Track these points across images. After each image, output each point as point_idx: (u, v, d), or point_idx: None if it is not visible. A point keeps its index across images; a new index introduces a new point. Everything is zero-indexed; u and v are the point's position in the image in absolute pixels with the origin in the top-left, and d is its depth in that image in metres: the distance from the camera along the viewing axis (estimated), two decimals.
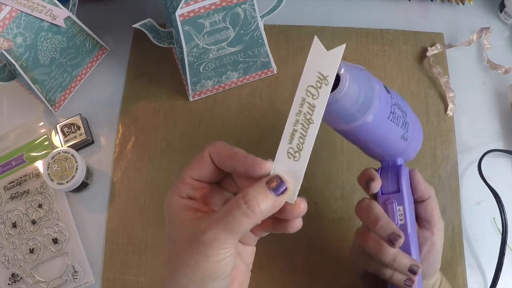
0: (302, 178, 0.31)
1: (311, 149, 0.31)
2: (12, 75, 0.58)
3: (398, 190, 0.42)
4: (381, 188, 0.43)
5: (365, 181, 0.43)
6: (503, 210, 0.53)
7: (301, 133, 0.31)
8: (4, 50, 0.51)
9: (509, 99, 0.62)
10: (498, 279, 0.52)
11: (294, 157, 0.31)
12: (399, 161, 0.43)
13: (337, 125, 0.37)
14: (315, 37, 0.31)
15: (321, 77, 0.31)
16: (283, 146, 0.31)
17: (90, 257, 0.57)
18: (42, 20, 0.54)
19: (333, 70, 0.31)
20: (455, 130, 0.61)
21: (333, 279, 0.55)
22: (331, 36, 0.66)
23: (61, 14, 0.55)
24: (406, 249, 0.41)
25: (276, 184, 0.31)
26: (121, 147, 0.61)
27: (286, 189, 0.31)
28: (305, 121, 0.31)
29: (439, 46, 0.64)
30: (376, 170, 0.44)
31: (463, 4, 0.67)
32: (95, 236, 0.58)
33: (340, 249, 0.56)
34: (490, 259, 0.54)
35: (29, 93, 0.64)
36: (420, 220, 0.45)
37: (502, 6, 0.66)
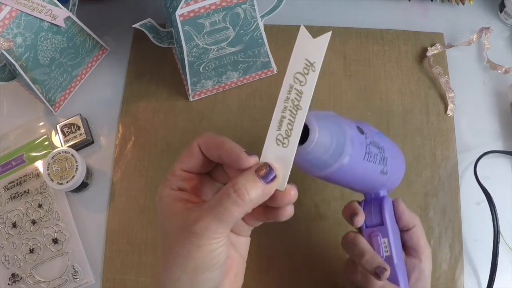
0: (292, 165, 0.31)
1: (300, 135, 0.31)
2: (12, 75, 0.58)
3: (382, 223, 0.42)
4: (365, 221, 0.43)
5: (349, 215, 0.43)
6: (494, 211, 0.54)
7: (289, 119, 0.31)
8: (4, 50, 0.51)
9: (509, 99, 0.62)
10: (494, 282, 0.52)
11: (283, 143, 0.31)
12: (382, 193, 0.44)
13: (312, 173, 0.37)
14: (301, 25, 0.32)
15: (308, 64, 0.31)
16: (272, 133, 0.32)
17: (90, 257, 0.57)
18: (42, 20, 0.54)
19: (319, 56, 0.31)
20: (455, 130, 0.61)
21: (333, 279, 0.55)
22: (331, 36, 0.65)
23: (61, 14, 0.55)
24: (393, 279, 0.42)
25: (265, 172, 0.31)
26: (121, 147, 0.61)
27: (275, 176, 0.31)
28: (293, 108, 0.31)
29: (439, 46, 0.64)
30: (360, 203, 0.44)
31: (463, 4, 0.67)
32: (95, 236, 0.58)
33: (340, 249, 0.56)
34: (489, 260, 0.54)
35: (29, 93, 0.64)
36: (407, 248, 0.45)
37: (502, 6, 0.66)
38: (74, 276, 0.56)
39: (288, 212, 0.33)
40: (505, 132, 0.61)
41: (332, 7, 0.68)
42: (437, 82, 0.63)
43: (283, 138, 0.31)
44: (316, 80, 0.31)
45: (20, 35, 0.52)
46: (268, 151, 0.32)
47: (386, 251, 0.42)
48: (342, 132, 0.35)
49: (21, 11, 0.51)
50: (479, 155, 0.58)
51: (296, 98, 0.31)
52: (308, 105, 0.31)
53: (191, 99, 0.63)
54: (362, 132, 0.38)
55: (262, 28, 0.55)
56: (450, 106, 0.62)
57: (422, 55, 0.65)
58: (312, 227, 0.57)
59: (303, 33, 0.31)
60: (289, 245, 0.57)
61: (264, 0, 0.55)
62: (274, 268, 0.56)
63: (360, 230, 0.44)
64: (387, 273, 0.40)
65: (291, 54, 0.31)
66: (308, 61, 0.31)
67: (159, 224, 0.34)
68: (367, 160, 0.38)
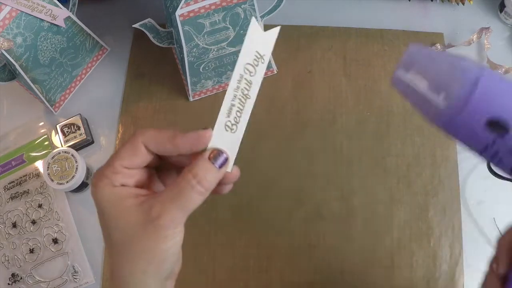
0: (238, 147, 0.34)
1: (247, 121, 0.33)
2: (12, 75, 0.58)
3: None
4: None
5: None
6: None
7: (238, 107, 0.33)
8: (4, 50, 0.51)
9: None
10: None
11: (232, 129, 0.34)
12: None
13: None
14: (252, 18, 0.33)
15: (258, 56, 0.33)
16: (221, 120, 0.33)
17: (90, 257, 0.57)
18: (42, 20, 0.54)
19: (268, 49, 0.33)
20: None
21: (333, 279, 0.55)
22: (331, 36, 0.65)
23: (61, 14, 0.55)
24: None
25: (219, 158, 0.33)
26: None
27: (226, 160, 0.33)
28: (242, 96, 0.33)
29: (439, 46, 0.64)
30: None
31: (463, 4, 0.67)
32: (95, 236, 0.58)
33: (340, 249, 0.56)
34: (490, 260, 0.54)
35: (29, 93, 0.64)
36: None
37: (502, 6, 0.66)
38: (74, 276, 0.56)
39: (228, 188, 0.35)
40: None
41: (332, 7, 0.68)
42: None
43: (232, 125, 0.34)
44: (264, 71, 0.33)
45: (20, 35, 0.52)
46: (217, 137, 0.33)
47: None
48: None
49: (21, 11, 0.51)
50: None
51: (245, 88, 0.33)
52: (256, 95, 0.33)
53: (191, 99, 0.63)
54: None
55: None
56: None
57: None
58: (312, 227, 0.57)
59: (254, 26, 0.33)
60: (289, 245, 0.57)
61: (264, 0, 0.55)
62: (274, 268, 0.56)
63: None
64: None
65: (242, 45, 0.33)
66: (258, 53, 0.33)
67: (105, 224, 0.34)
68: None
